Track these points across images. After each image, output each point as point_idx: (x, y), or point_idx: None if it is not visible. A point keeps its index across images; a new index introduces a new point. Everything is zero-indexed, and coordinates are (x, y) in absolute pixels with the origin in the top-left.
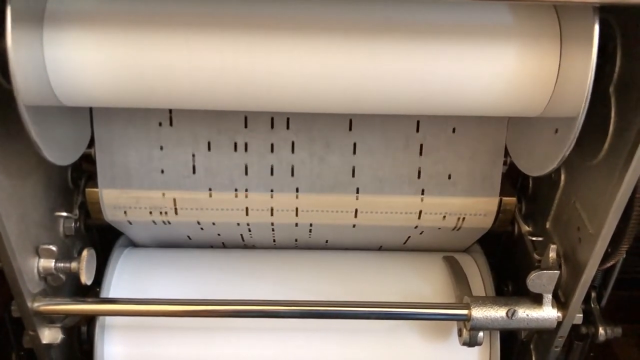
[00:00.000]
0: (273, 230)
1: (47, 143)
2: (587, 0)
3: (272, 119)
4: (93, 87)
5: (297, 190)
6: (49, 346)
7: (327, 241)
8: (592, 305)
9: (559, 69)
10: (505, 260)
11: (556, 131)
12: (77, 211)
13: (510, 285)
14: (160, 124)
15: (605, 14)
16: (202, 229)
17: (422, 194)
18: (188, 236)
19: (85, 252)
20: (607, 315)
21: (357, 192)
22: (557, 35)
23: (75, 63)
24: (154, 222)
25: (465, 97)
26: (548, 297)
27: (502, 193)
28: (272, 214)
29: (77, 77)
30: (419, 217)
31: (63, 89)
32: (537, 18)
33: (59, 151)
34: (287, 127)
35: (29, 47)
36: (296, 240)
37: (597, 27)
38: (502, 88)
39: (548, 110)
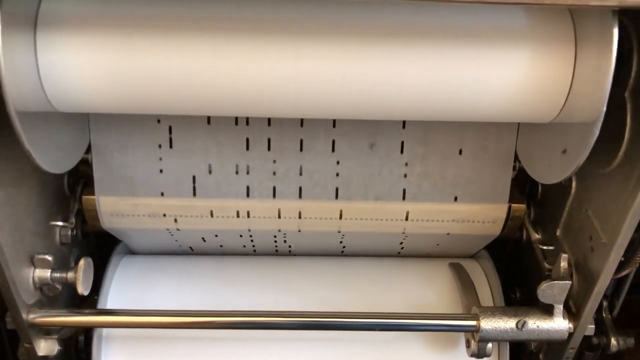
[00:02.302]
0: (275, 238)
1: (41, 150)
2: (605, 4)
3: (273, 119)
4: (88, 93)
5: (299, 196)
6: (45, 358)
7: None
8: (604, 314)
9: (573, 74)
10: (513, 265)
11: (570, 139)
12: (73, 219)
13: (518, 292)
14: (159, 129)
15: (620, 16)
16: (202, 237)
17: (429, 200)
18: (176, 240)
19: (82, 262)
20: (618, 320)
21: (346, 198)
22: (572, 39)
23: (69, 68)
24: (152, 229)
25: (477, 103)
26: (559, 308)
27: (511, 199)
28: (275, 221)
29: (72, 82)
30: (429, 225)
31: (57, 95)
32: (551, 21)
33: (54, 158)
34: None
35: (21, 51)
36: (290, 249)
37: (615, 31)
38: (514, 93)
39: (562, 116)
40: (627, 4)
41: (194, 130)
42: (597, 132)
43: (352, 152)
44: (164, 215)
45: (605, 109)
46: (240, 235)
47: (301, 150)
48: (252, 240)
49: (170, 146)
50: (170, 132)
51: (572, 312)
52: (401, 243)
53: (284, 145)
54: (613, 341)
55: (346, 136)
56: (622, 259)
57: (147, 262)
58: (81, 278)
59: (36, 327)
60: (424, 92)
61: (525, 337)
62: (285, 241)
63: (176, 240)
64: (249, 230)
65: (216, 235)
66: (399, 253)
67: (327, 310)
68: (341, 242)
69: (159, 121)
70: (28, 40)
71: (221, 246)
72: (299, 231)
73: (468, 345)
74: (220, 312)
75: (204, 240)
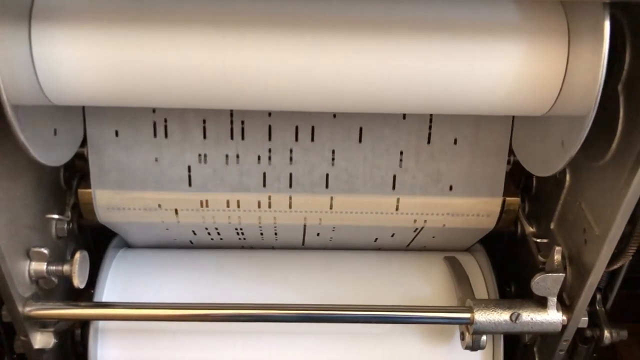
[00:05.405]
0: (275, 231)
1: (37, 143)
2: None
3: (269, 113)
4: (83, 86)
5: (291, 189)
6: (41, 351)
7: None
8: (598, 307)
9: (566, 67)
10: (507, 259)
11: (563, 131)
12: (69, 212)
13: (512, 285)
14: (154, 122)
15: (614, 9)
16: (198, 230)
17: (423, 193)
18: (171, 233)
19: (77, 255)
20: (612, 313)
21: (340, 190)
22: (565, 32)
23: (64, 60)
24: (148, 223)
25: (470, 96)
26: (553, 300)
27: (506, 193)
28: (269, 214)
29: (67, 75)
30: (424, 218)
31: (52, 88)
32: (544, 14)
33: (50, 152)
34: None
35: (15, 43)
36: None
37: (607, 24)
38: (508, 86)
39: (555, 109)
40: None
41: (189, 122)
42: (589, 125)
43: (347, 144)
44: (160, 207)
45: (597, 102)
46: (235, 228)
47: (296, 140)
48: (242, 233)
49: (166, 137)
50: (165, 124)
51: (565, 304)
52: (393, 235)
53: (278, 135)
54: (606, 333)
55: (342, 128)
56: (615, 251)
57: (143, 255)
58: (77, 271)
59: (32, 320)
60: (418, 86)
61: (519, 329)
62: (276, 233)
63: (172, 233)
64: (239, 217)
65: (214, 228)
66: (378, 245)
67: (323, 302)
68: (331, 237)
69: (154, 111)
70: (23, 33)
71: (220, 238)
72: (291, 222)
73: (462, 338)
74: (217, 305)
75: (200, 233)
